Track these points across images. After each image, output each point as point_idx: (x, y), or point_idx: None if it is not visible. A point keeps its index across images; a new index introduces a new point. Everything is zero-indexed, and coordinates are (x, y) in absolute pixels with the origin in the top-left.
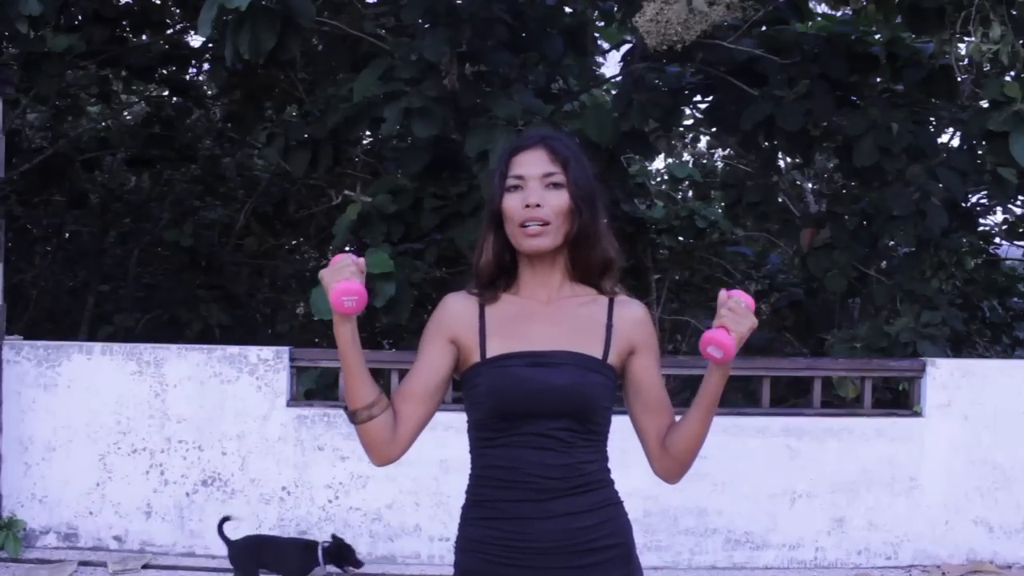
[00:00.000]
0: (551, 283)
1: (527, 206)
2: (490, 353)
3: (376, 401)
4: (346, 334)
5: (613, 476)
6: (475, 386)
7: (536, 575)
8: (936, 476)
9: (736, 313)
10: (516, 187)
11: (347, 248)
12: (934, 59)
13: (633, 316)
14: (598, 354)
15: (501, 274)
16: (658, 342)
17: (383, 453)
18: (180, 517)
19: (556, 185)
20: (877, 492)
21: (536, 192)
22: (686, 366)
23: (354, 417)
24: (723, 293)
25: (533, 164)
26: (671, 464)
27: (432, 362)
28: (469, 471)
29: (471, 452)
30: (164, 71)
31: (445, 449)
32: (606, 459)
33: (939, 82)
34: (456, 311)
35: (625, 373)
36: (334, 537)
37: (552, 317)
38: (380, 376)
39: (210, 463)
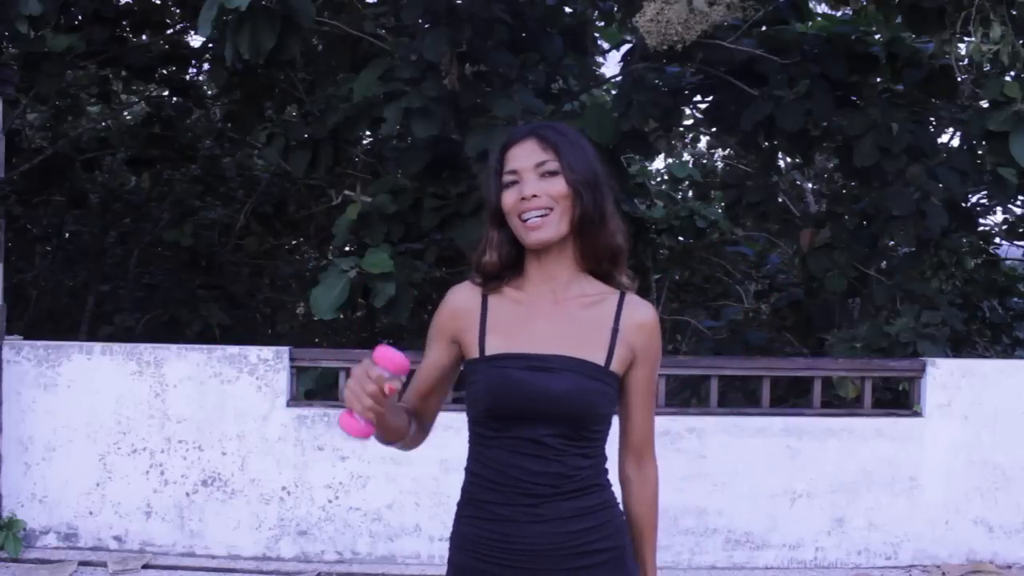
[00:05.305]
0: (559, 278)
1: (523, 199)
2: (488, 351)
3: (408, 425)
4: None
5: (610, 477)
6: (473, 383)
7: None
8: (936, 476)
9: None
10: (513, 183)
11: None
12: (934, 59)
13: (640, 320)
14: (601, 360)
15: (505, 269)
16: (661, 350)
17: (414, 447)
18: (180, 517)
19: (551, 173)
20: (877, 492)
21: (531, 183)
22: (686, 366)
23: (392, 445)
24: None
25: (525, 156)
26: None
27: (435, 362)
28: (465, 465)
29: (468, 447)
30: (164, 71)
31: (445, 449)
32: (604, 460)
33: (939, 82)
34: (457, 307)
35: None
36: None
37: (556, 318)
38: None
39: (210, 463)
